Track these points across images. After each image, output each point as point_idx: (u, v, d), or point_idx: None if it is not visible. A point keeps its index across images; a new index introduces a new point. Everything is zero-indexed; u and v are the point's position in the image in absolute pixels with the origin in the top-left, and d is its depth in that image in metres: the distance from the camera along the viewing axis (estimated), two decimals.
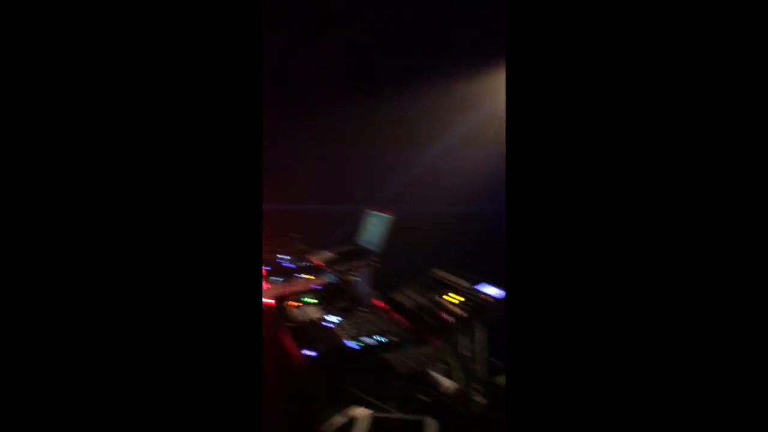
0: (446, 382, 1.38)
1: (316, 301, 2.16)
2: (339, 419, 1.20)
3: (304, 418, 1.33)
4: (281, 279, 2.31)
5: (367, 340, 1.57)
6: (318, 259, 2.10)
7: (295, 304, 2.13)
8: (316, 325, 1.77)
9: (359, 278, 2.13)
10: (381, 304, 1.74)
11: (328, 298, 2.18)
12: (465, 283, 1.60)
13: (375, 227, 2.10)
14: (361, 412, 1.22)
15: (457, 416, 1.27)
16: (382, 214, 2.06)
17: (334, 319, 1.82)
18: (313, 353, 1.53)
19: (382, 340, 1.57)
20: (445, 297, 1.59)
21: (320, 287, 2.27)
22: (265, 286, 2.21)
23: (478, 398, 1.34)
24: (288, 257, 2.39)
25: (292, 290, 1.53)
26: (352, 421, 1.19)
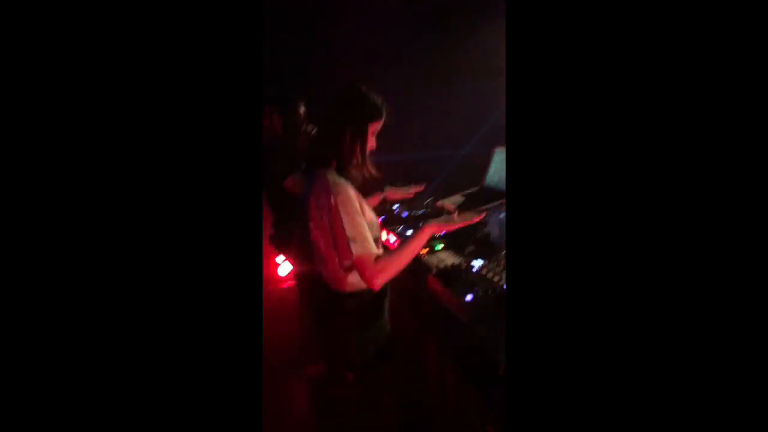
0: None
1: (442, 245, 2.12)
2: None
3: (482, 363, 1.31)
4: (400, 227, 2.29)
5: None
6: (446, 203, 2.04)
7: (425, 250, 2.10)
8: (459, 269, 1.73)
9: (489, 219, 2.05)
10: None
11: (454, 243, 2.13)
12: None
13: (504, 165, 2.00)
14: None
15: None
16: None
17: (477, 262, 1.77)
18: (469, 297, 1.49)
19: None
20: None
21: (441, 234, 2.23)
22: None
23: None
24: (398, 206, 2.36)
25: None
26: None
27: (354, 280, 1.47)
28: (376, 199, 2.04)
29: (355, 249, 1.30)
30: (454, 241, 2.12)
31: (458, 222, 1.51)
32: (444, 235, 2.20)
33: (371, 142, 1.42)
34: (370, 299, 1.52)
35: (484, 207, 1.68)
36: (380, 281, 1.34)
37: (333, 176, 1.39)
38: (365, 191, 1.51)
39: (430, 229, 1.46)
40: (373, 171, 1.44)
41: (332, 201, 1.33)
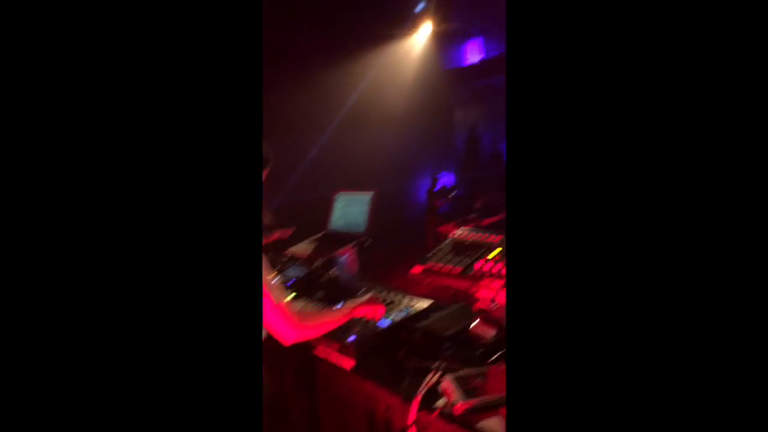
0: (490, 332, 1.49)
1: (293, 294, 2.08)
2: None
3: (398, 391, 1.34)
4: None
5: (397, 314, 1.61)
6: (294, 251, 2.04)
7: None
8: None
9: (336, 263, 2.11)
10: (418, 270, 1.72)
11: (305, 290, 2.11)
12: None
13: (353, 208, 2.10)
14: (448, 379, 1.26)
15: None
16: (361, 195, 2.06)
17: (339, 305, 1.79)
18: (352, 338, 1.51)
19: (408, 311, 1.62)
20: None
21: (290, 282, 2.19)
22: None
23: None
24: None
25: None
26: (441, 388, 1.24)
27: None
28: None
29: (273, 295, 1.21)
30: (304, 288, 2.11)
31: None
32: (293, 283, 2.18)
33: None
34: None
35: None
36: (295, 338, 1.27)
37: None
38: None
39: (358, 311, 1.50)
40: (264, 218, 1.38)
41: None
